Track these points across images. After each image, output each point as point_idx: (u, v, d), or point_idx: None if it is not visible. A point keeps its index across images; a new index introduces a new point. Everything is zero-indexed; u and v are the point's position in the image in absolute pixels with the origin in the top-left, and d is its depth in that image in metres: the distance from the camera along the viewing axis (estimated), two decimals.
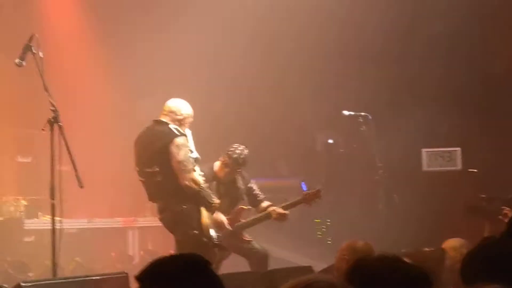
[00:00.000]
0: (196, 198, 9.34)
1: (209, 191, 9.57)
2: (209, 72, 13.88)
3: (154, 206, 11.89)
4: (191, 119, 9.59)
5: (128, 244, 13.58)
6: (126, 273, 7.28)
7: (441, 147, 13.31)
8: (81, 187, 8.40)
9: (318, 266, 8.39)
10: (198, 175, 9.45)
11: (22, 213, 12.68)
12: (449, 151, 13.20)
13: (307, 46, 13.92)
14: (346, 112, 12.22)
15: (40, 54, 8.49)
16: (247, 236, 10.27)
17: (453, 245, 7.75)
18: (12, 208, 12.63)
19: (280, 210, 10.18)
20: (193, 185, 9.24)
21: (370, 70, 13.71)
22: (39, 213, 12.37)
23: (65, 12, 14.73)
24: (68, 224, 11.59)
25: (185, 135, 9.44)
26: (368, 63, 13.76)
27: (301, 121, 14.44)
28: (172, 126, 9.37)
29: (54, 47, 12.09)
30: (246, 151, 10.15)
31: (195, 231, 9.28)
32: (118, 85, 14.12)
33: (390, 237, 10.51)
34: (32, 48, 8.48)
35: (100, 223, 13.35)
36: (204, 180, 9.58)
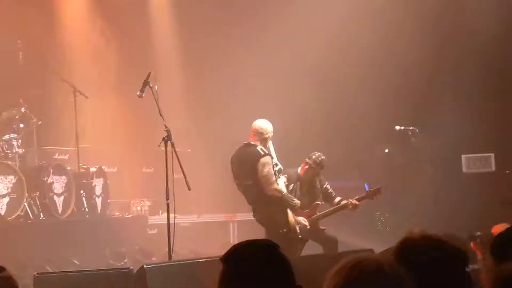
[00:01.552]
0: (281, 202, 9.67)
1: (290, 196, 9.83)
2: (293, 94, 13.92)
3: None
4: (272, 134, 9.79)
5: (229, 234, 13.97)
6: None
7: (478, 153, 13.48)
8: (189, 189, 8.86)
9: (378, 249, 8.07)
10: (281, 184, 9.77)
11: (146, 211, 13.40)
12: (484, 156, 13.43)
13: (383, 79, 13.93)
14: (397, 127, 12.53)
15: (156, 87, 8.97)
16: (321, 226, 10.38)
17: (501, 229, 7.57)
18: (139, 208, 13.53)
19: (355, 202, 10.34)
20: (276, 194, 9.60)
21: (417, 88, 13.92)
22: (160, 211, 12.79)
23: (172, 50, 15.30)
24: (182, 219, 12.20)
25: (269, 154, 9.66)
26: (411, 83, 13.95)
27: (364, 135, 14.34)
28: (258, 147, 9.62)
29: (165, 80, 12.52)
30: (323, 157, 10.30)
31: (284, 230, 9.60)
32: (216, 108, 14.56)
33: (438, 227, 9.83)
34: (150, 83, 8.94)
35: (207, 218, 13.96)
36: (286, 184, 9.91)
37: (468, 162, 13.59)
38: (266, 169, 9.56)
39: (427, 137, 12.79)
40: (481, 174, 13.44)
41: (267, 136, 9.82)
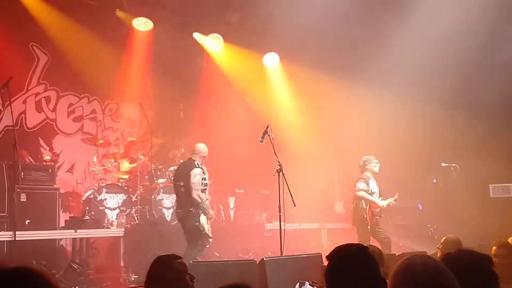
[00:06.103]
0: (198, 206, 9.23)
1: (208, 205, 9.33)
2: (376, 147, 12.45)
3: (336, 215, 12.25)
4: (207, 155, 9.51)
5: (321, 238, 13.69)
6: (320, 254, 7.48)
7: (501, 183, 13.02)
8: (295, 206, 8.55)
9: (429, 251, 8.09)
10: (203, 194, 9.28)
11: (264, 220, 13.16)
12: (506, 185, 13.00)
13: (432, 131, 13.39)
14: (443, 164, 12.36)
15: (272, 135, 8.79)
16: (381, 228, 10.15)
17: None
18: (259, 217, 13.35)
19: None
20: (197, 198, 9.14)
21: (457, 138, 13.09)
22: (273, 220, 12.60)
23: (284, 108, 14.82)
24: (288, 226, 11.18)
25: (200, 168, 9.25)
26: (452, 136, 13.16)
27: (419, 169, 13.78)
28: (196, 162, 9.31)
29: (277, 130, 12.02)
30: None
31: (196, 224, 9.18)
32: (310, 152, 13.94)
33: (471, 236, 9.81)
34: (268, 132, 8.76)
35: (305, 226, 13.44)
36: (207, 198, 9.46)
37: (494, 190, 13.16)
38: (196, 178, 9.20)
39: (464, 171, 12.39)
40: (503, 198, 12.98)
41: (204, 155, 9.51)
